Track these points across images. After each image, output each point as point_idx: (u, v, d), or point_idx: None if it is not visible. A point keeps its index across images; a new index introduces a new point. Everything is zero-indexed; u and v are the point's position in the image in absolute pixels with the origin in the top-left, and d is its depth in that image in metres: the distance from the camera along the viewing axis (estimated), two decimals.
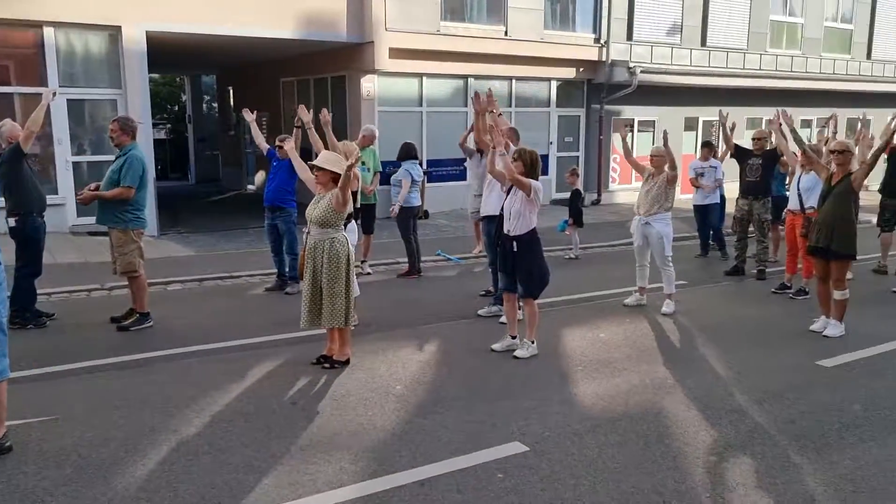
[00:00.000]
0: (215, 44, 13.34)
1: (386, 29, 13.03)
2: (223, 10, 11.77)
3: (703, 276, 9.70)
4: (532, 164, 5.95)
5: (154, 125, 19.06)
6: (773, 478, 4.02)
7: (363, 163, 8.76)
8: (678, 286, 8.13)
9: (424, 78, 14.39)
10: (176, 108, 25.70)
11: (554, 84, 16.09)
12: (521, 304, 6.30)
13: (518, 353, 6.02)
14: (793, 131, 8.05)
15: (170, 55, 14.88)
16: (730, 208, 10.45)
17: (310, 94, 15.68)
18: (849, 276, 8.37)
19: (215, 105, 22.88)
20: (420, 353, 6.20)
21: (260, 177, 17.88)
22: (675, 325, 7.23)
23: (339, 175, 5.46)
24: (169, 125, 24.55)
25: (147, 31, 11.26)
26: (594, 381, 5.50)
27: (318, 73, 15.44)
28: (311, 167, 5.69)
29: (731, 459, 4.24)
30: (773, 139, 9.28)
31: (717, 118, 10.17)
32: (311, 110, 6.90)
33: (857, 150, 7.97)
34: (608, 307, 7.88)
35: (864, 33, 20.81)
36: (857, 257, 6.98)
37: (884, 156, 8.16)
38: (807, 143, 8.33)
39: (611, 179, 17.28)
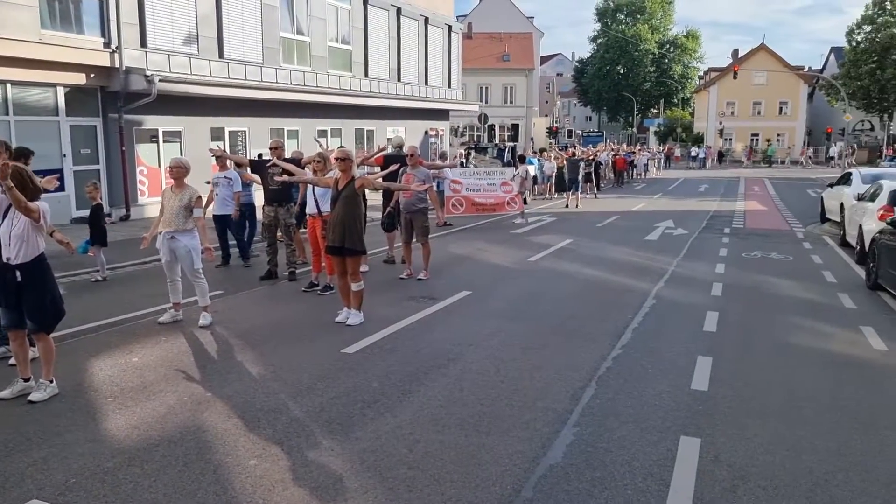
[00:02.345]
0: None
1: None
2: None
3: (239, 283, 9.88)
4: (23, 183, 5.19)
5: None
6: (307, 466, 4.31)
7: None
8: (214, 296, 8.12)
9: None
10: None
11: (62, 90, 14.49)
12: (33, 340, 5.54)
13: (33, 396, 5.27)
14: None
15: None
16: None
17: None
18: (364, 268, 9.47)
19: None
20: None
21: None
22: (213, 336, 7.21)
23: None
24: None
25: None
26: (127, 411, 5.14)
27: None
28: None
29: (271, 459, 4.41)
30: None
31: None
32: None
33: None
34: (142, 328, 7.45)
35: (361, 54, 23.71)
36: (369, 251, 7.93)
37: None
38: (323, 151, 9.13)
39: (139, 192, 16.37)
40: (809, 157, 55.58)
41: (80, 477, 4.12)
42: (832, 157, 53.86)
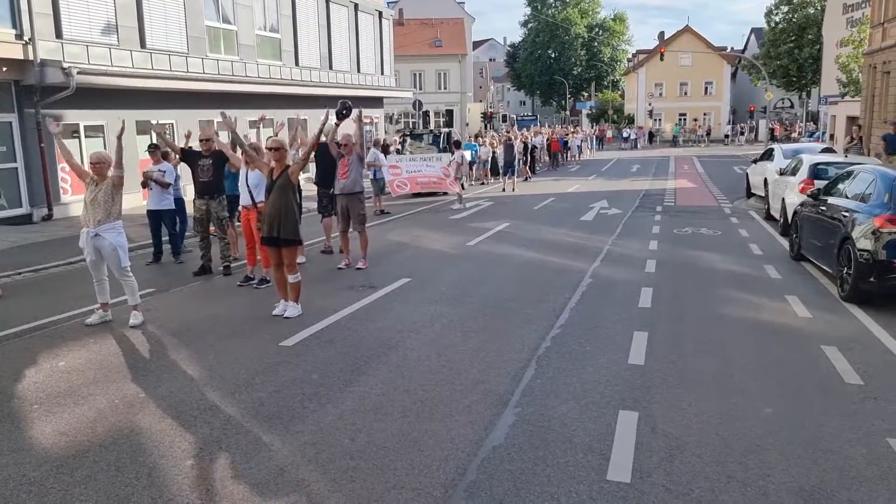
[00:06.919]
0: None
1: None
2: None
3: (172, 280, 9.59)
4: None
5: None
6: (248, 462, 4.21)
7: None
8: (145, 295, 7.85)
9: None
10: None
11: None
12: None
13: None
14: (234, 133, 8.56)
15: None
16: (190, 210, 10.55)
17: None
18: (301, 259, 9.32)
19: None
20: None
21: None
22: (145, 335, 6.97)
23: None
24: None
25: None
26: (54, 417, 4.92)
27: None
28: None
29: (209, 458, 4.29)
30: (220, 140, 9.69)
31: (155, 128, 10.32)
32: None
33: (292, 149, 8.91)
34: (68, 331, 7.15)
35: (291, 42, 23.25)
36: (305, 242, 7.78)
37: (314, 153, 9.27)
38: (247, 141, 8.89)
39: (62, 190, 15.71)
40: (703, 137, 57.26)
41: (3, 489, 3.93)
42: (727, 136, 56.63)
